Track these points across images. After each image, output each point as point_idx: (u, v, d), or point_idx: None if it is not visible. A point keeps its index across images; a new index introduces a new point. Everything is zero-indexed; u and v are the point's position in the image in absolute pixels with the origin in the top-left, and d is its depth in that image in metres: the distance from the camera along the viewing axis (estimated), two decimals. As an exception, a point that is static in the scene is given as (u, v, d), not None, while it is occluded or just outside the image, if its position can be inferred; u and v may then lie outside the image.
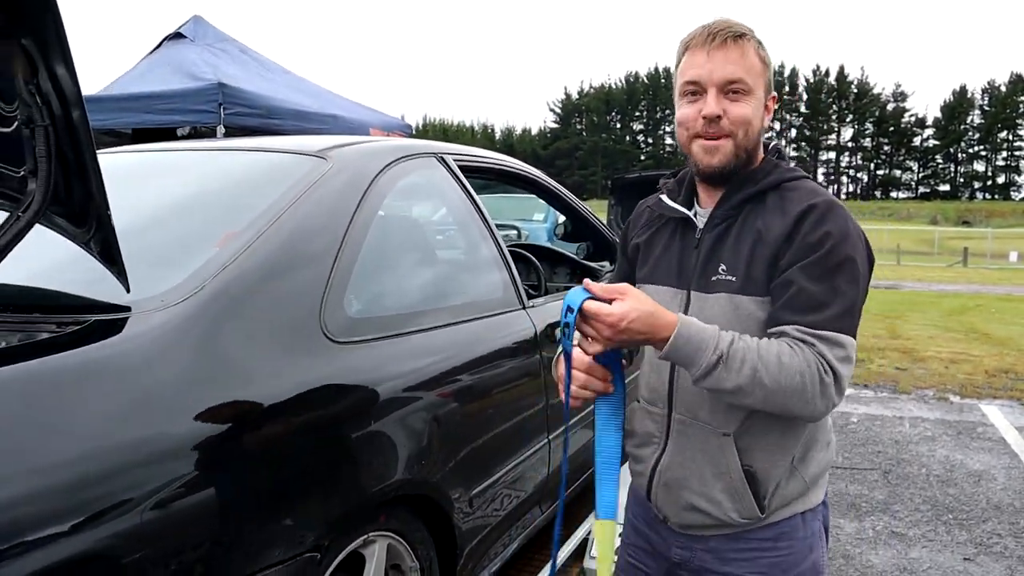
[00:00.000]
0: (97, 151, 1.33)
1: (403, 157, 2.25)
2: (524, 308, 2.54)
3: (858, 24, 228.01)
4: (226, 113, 6.17)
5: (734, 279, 1.47)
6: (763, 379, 1.34)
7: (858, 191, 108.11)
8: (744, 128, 1.47)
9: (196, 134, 7.63)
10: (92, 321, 1.42)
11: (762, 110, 1.50)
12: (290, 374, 1.55)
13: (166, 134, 7.35)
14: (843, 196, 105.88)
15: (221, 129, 6.26)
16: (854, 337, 1.41)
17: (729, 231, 1.51)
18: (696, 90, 1.47)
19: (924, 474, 4.78)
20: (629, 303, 1.34)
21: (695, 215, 1.58)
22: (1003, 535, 3.92)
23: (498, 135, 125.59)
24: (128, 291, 1.43)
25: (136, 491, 1.23)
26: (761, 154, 1.57)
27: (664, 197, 1.63)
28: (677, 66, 1.53)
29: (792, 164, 1.58)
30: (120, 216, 1.94)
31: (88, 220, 1.39)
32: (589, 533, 2.58)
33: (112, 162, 2.24)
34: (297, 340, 1.60)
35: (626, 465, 1.69)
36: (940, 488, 4.54)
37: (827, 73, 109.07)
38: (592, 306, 1.34)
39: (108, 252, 1.39)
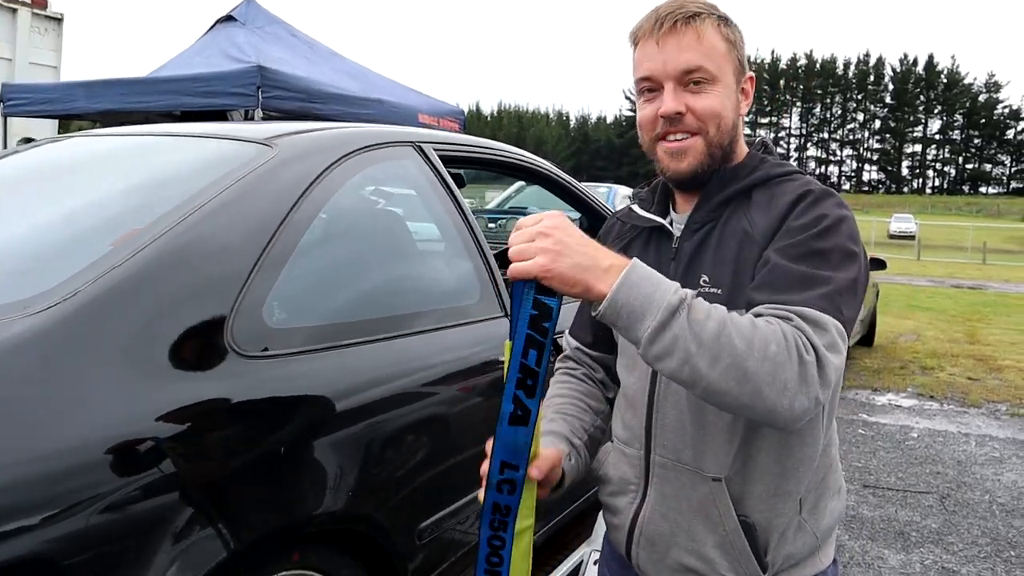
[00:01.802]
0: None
1: (369, 146, 2.02)
2: (506, 316, 2.29)
3: (950, 10, 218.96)
4: (264, 96, 6.08)
5: (719, 291, 1.23)
6: (733, 338, 1.03)
7: (944, 185, 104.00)
8: (715, 122, 1.24)
9: (247, 118, 7.60)
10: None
11: (735, 97, 1.28)
12: (174, 393, 1.35)
13: (215, 117, 7.34)
14: (928, 190, 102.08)
15: (259, 113, 6.18)
16: (843, 325, 1.11)
17: (709, 237, 1.28)
18: (652, 86, 1.26)
19: (987, 501, 4.35)
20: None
21: (670, 223, 1.35)
22: (1071, 578, 3.52)
23: (573, 122, 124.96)
24: (-12, 295, 1.25)
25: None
26: (744, 148, 1.34)
27: (635, 207, 1.41)
28: (633, 62, 1.30)
29: (780, 158, 1.34)
30: (22, 212, 1.80)
31: None
32: (580, 564, 2.33)
33: (44, 152, 2.09)
34: (190, 354, 1.40)
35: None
36: (1004, 519, 4.11)
37: (915, 62, 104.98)
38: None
39: None
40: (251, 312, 1.51)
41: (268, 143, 1.82)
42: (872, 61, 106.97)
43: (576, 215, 3.33)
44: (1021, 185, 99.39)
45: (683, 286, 1.25)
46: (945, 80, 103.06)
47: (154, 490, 1.29)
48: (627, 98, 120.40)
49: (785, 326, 1.07)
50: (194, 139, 2.00)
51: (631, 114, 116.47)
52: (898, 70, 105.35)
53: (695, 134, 1.25)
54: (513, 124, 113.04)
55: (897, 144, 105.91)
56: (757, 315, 1.11)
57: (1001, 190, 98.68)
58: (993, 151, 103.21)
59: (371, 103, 7.24)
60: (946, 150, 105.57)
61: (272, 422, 1.52)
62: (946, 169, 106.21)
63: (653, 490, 1.32)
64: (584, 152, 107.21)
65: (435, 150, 2.27)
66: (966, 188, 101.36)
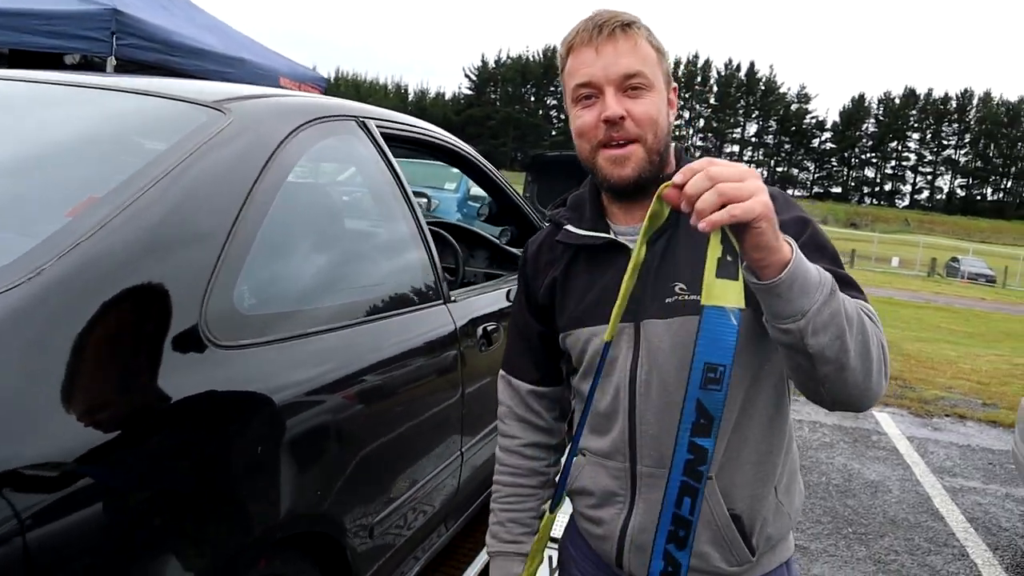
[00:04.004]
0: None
1: (318, 119, 1.88)
2: (446, 303, 2.23)
3: (772, 22, 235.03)
4: (119, 44, 5.54)
5: (697, 298, 1.22)
6: (863, 318, 1.10)
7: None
8: (652, 129, 1.25)
9: (87, 64, 6.92)
10: None
11: (666, 105, 1.29)
12: (152, 389, 1.20)
13: (50, 60, 6.63)
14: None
15: (112, 61, 5.63)
16: None
17: (672, 245, 1.27)
18: (591, 93, 1.25)
19: (824, 483, 4.77)
20: None
21: (616, 236, 1.32)
22: (899, 552, 3.92)
23: (411, 96, 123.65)
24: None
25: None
26: (672, 156, 1.35)
27: (569, 227, 1.37)
28: (563, 71, 1.30)
29: None
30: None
31: None
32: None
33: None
34: (166, 344, 1.24)
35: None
36: (839, 499, 4.52)
37: (738, 68, 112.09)
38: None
39: None
40: (223, 297, 1.37)
41: (219, 108, 1.66)
42: (700, 63, 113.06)
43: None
44: (821, 190, 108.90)
45: (654, 296, 1.27)
46: (763, 87, 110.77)
47: (126, 504, 1.15)
48: (467, 76, 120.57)
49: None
50: (132, 95, 1.77)
51: (470, 93, 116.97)
52: (723, 73, 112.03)
53: (634, 141, 1.25)
54: (350, 93, 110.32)
55: (718, 143, 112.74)
56: None
57: (805, 193, 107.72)
58: (800, 157, 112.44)
59: (233, 61, 6.81)
60: (760, 153, 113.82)
61: (251, 420, 1.39)
62: (760, 170, 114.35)
63: (641, 499, 1.32)
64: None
65: (377, 127, 2.16)
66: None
